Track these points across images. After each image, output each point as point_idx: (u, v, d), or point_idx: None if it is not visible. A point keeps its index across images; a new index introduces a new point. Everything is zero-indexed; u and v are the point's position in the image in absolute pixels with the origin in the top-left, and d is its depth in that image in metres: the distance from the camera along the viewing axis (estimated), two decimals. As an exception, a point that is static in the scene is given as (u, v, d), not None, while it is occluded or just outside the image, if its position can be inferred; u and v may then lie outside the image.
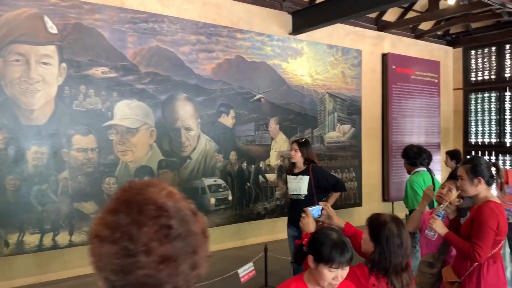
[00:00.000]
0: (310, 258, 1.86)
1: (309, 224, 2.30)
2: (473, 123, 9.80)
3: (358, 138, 8.10)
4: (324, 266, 1.80)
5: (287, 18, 7.23)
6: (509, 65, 9.21)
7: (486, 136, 9.58)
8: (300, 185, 4.12)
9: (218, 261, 5.93)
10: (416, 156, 3.84)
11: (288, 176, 4.30)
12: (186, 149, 5.97)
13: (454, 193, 2.72)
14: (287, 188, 4.33)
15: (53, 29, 4.97)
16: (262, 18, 6.94)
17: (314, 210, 2.38)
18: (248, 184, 6.58)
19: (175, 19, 5.90)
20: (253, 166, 6.63)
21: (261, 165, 6.73)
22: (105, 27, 5.34)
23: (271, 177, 6.82)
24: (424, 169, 3.81)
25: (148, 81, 5.65)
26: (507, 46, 9.20)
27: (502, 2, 6.75)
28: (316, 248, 1.83)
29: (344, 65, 7.83)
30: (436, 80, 9.38)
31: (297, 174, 4.19)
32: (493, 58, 9.45)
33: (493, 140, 9.42)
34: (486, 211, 2.51)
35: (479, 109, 9.70)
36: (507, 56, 9.23)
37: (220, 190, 6.27)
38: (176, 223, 0.82)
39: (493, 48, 9.43)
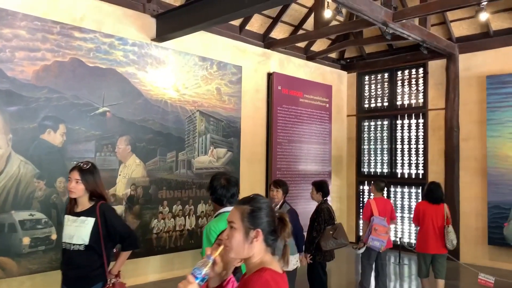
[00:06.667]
0: None
1: None
2: (366, 152, 9.29)
3: (236, 164, 7.13)
4: None
5: (150, 22, 6.17)
6: (400, 92, 8.87)
7: (378, 166, 9.08)
8: (80, 230, 2.89)
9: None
10: (223, 192, 2.71)
11: (66, 216, 3.06)
12: (-13, 172, 4.56)
13: (222, 248, 1.70)
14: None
15: None
16: (116, 19, 5.80)
17: None
18: (82, 218, 5.24)
19: (-19, 5, 4.59)
20: (91, 195, 5.32)
21: (102, 195, 5.44)
22: None
23: (118, 209, 5.54)
24: (232, 210, 2.79)
25: None
26: (399, 73, 8.88)
27: (384, 21, 6.27)
28: None
29: (220, 81, 6.89)
30: (328, 105, 8.77)
31: (78, 215, 2.99)
32: (386, 84, 9.08)
33: (385, 170, 8.94)
34: (256, 286, 1.50)
35: (372, 137, 9.22)
36: (399, 83, 8.89)
37: (39, 226, 4.89)
38: None
39: (386, 74, 9.07)
